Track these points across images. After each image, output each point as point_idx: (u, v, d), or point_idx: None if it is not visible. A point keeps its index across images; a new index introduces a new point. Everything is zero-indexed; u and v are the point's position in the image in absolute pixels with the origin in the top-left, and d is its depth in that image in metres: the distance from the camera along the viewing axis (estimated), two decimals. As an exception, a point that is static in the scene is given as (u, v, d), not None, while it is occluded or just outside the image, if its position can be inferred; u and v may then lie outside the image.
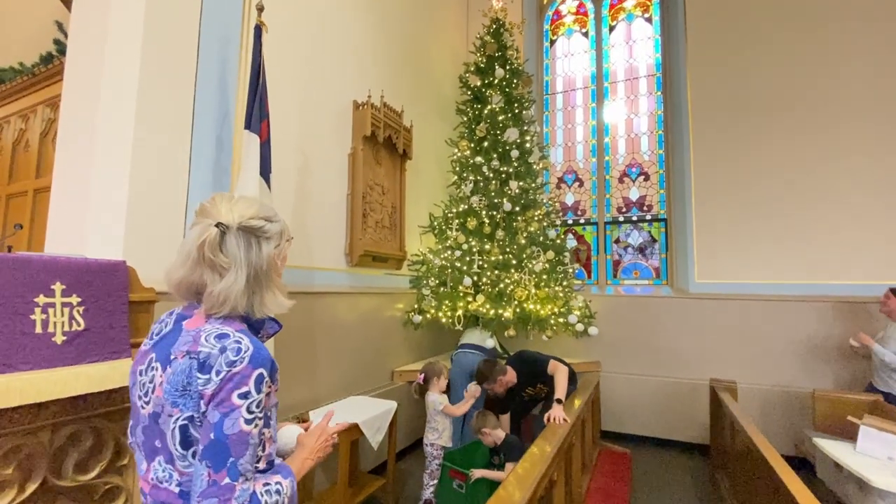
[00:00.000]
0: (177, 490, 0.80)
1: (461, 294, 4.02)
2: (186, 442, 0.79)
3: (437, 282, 4.08)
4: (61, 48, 2.49)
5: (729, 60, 4.52)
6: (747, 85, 4.43)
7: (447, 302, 3.99)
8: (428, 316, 4.07)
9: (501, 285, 3.96)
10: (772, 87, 4.35)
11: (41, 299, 1.08)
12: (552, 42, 5.65)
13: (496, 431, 2.90)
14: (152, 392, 0.84)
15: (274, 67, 2.67)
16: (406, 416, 3.87)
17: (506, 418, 3.36)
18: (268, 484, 0.84)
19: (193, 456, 0.79)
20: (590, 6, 5.48)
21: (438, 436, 3.01)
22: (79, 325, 1.14)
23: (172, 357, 0.83)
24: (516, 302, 3.92)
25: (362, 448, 3.17)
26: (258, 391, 0.81)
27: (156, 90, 2.19)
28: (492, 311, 3.87)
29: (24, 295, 1.05)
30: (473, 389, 3.12)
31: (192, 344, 0.83)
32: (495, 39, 4.63)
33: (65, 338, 1.11)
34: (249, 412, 0.80)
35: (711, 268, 4.45)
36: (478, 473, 2.73)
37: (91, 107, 2.15)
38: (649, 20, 5.18)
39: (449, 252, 4.11)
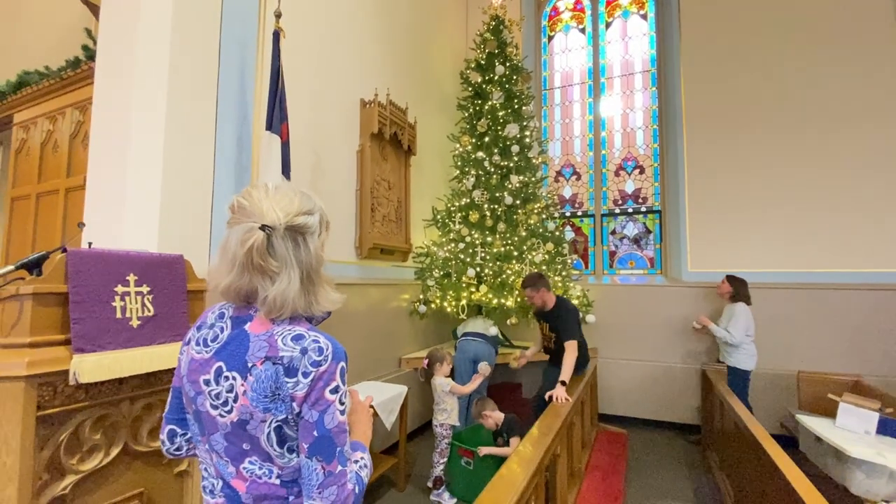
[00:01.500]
0: (278, 482, 0.85)
1: (465, 284, 4.19)
2: (282, 441, 0.84)
3: (442, 273, 4.25)
4: (89, 54, 2.60)
5: (722, 57, 4.68)
6: (739, 81, 4.60)
7: (451, 292, 4.17)
8: (433, 306, 4.24)
9: (503, 276, 4.14)
10: (763, 83, 4.52)
11: (119, 289, 1.24)
12: (550, 38, 5.78)
13: (495, 414, 3.10)
14: (234, 401, 0.83)
15: (286, 70, 2.80)
16: (414, 400, 4.07)
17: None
18: (356, 461, 0.91)
19: (290, 451, 0.85)
20: (586, 3, 5.61)
21: (448, 416, 3.20)
22: (149, 310, 1.30)
23: (250, 365, 0.83)
24: (517, 291, 4.10)
25: (374, 429, 3.36)
26: (343, 382, 0.87)
27: (183, 94, 2.32)
28: (494, 301, 4.05)
29: (107, 285, 1.21)
30: (484, 368, 3.33)
31: (270, 349, 0.83)
32: (495, 36, 4.75)
33: (139, 322, 1.27)
34: (341, 403, 0.86)
35: (703, 257, 4.65)
36: (485, 451, 2.93)
37: (122, 110, 2.29)
38: (644, 17, 5.32)
39: (452, 244, 4.27)
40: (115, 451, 1.24)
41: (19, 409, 1.08)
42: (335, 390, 0.84)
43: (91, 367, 1.14)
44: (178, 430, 0.98)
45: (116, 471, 1.26)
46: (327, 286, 0.93)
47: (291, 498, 0.86)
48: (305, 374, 0.82)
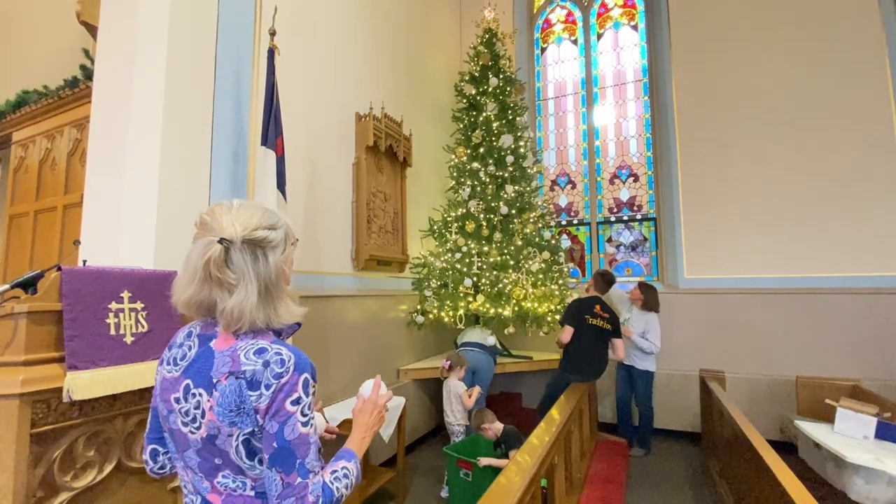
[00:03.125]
0: (252, 493, 0.87)
1: (462, 294, 4.20)
2: (251, 453, 0.85)
3: (439, 283, 4.26)
4: (87, 73, 2.65)
5: (711, 65, 4.75)
6: (729, 88, 4.66)
7: (449, 302, 4.18)
8: (430, 316, 4.25)
9: (500, 285, 4.15)
10: (752, 90, 4.58)
11: (114, 305, 1.25)
12: (543, 50, 5.86)
13: (494, 425, 3.11)
14: (202, 417, 0.85)
15: (282, 85, 2.84)
16: (413, 413, 4.06)
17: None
18: (335, 471, 0.91)
19: (260, 463, 0.86)
20: (578, 15, 5.70)
21: (462, 415, 3.50)
22: (143, 327, 1.31)
23: (215, 381, 0.85)
24: (515, 301, 4.12)
25: (373, 442, 3.35)
26: (307, 394, 0.86)
27: (179, 112, 2.36)
28: (492, 310, 4.06)
29: (101, 302, 1.22)
30: (477, 392, 3.53)
31: (233, 364, 0.85)
32: (488, 49, 4.83)
33: (133, 338, 1.28)
34: (303, 415, 0.85)
35: (699, 264, 4.67)
36: (484, 462, 2.92)
37: (119, 128, 2.32)
38: (635, 28, 5.40)
39: (449, 254, 4.29)
40: (108, 468, 1.25)
41: (13, 427, 1.09)
42: (296, 402, 0.84)
43: (85, 383, 1.15)
44: (160, 449, 1.01)
45: (110, 487, 1.26)
46: (288, 299, 0.94)
47: None
48: (268, 387, 0.83)
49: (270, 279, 0.89)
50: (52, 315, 1.18)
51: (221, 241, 0.85)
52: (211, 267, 0.84)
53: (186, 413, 0.87)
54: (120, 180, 2.28)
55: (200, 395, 0.85)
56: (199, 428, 0.85)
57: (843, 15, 4.31)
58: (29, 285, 1.30)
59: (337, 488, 0.88)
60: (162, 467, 1.01)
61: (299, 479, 0.83)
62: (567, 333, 3.71)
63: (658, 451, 4.20)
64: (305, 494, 0.83)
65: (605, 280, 3.95)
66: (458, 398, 3.49)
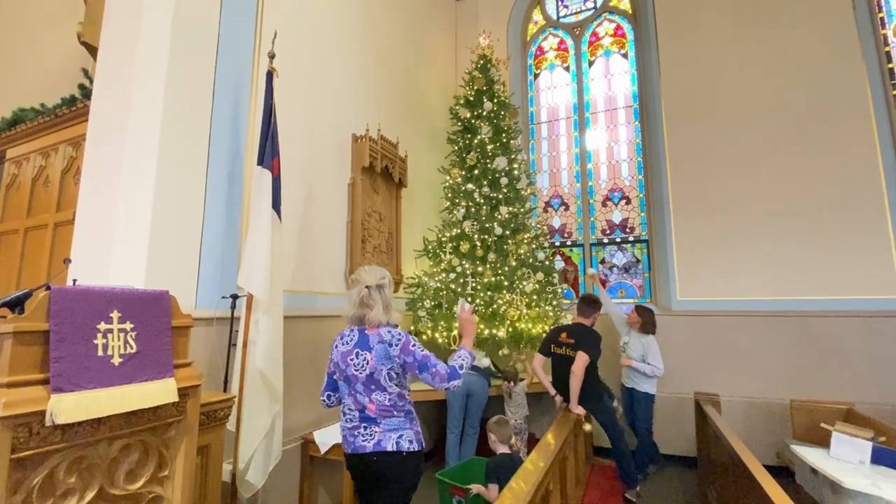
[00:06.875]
0: (390, 404, 1.85)
1: (456, 315, 4.17)
2: (391, 378, 1.84)
3: (433, 303, 4.24)
4: (86, 93, 2.66)
5: (699, 92, 4.88)
6: (717, 114, 4.78)
7: (443, 323, 4.15)
8: (424, 337, 4.21)
9: (494, 306, 4.14)
10: (741, 115, 4.70)
11: (102, 326, 1.23)
12: (536, 75, 6.01)
13: (495, 445, 3.03)
14: (366, 364, 1.83)
15: (280, 106, 2.87)
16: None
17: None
18: (455, 359, 1.97)
19: (397, 385, 1.87)
20: (570, 43, 5.87)
21: (526, 409, 3.99)
22: (132, 348, 1.28)
23: (372, 346, 1.85)
24: (509, 321, 4.10)
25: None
26: (416, 341, 1.90)
27: (176, 132, 2.37)
28: (486, 331, 4.03)
29: (89, 322, 1.20)
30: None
31: (380, 337, 1.86)
32: (483, 74, 4.94)
33: (121, 360, 1.25)
34: (420, 349, 1.89)
35: (692, 286, 4.69)
36: (475, 489, 2.85)
37: (116, 146, 2.32)
38: (625, 56, 5.56)
39: (443, 275, 4.29)
40: (89, 496, 1.20)
41: (-8, 453, 1.05)
42: (415, 345, 1.88)
43: (69, 407, 1.12)
44: (332, 394, 2.04)
45: (90, 516, 1.21)
46: (394, 311, 1.97)
47: (395, 412, 1.86)
48: (395, 345, 1.86)
49: (386, 301, 1.94)
50: (38, 335, 1.15)
51: (367, 287, 1.91)
52: (363, 298, 1.90)
53: (357, 364, 1.86)
54: (113, 199, 2.26)
55: (366, 353, 1.86)
56: (364, 370, 1.84)
57: (829, 44, 4.47)
58: (16, 305, 1.27)
59: (458, 364, 1.94)
60: (332, 403, 2.04)
61: (433, 368, 1.86)
62: (536, 360, 3.68)
63: (653, 475, 4.13)
64: (439, 369, 1.86)
65: (584, 303, 3.78)
66: (521, 396, 3.97)
